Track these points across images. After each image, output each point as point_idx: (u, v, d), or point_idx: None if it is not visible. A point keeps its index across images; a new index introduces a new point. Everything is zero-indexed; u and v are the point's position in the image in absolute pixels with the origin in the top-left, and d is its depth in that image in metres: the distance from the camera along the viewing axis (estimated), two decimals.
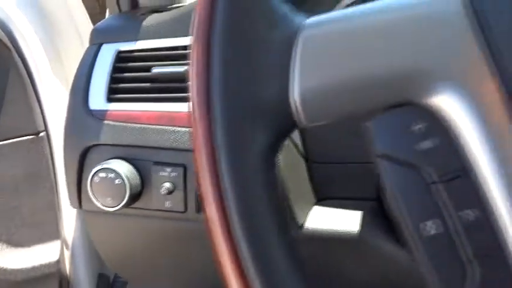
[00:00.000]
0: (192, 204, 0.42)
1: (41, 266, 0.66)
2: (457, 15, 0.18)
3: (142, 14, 0.52)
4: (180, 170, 0.41)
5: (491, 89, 0.17)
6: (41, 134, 0.65)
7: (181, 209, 0.42)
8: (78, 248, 0.70)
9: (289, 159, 0.43)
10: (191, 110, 0.18)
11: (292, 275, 0.18)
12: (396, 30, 0.18)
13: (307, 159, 0.45)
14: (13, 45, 0.61)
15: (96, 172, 0.41)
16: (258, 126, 0.18)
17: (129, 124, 0.43)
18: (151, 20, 0.49)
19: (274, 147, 0.19)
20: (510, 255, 0.16)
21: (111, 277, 0.80)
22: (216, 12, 0.18)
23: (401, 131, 0.18)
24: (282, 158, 0.40)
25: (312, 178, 0.45)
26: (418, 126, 0.18)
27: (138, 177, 0.42)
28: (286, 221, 0.19)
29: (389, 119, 0.18)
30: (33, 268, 0.65)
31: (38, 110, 0.65)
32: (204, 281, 0.47)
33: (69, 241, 0.69)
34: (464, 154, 0.17)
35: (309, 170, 0.45)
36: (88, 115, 0.43)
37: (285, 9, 0.19)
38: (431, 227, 0.17)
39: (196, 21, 0.18)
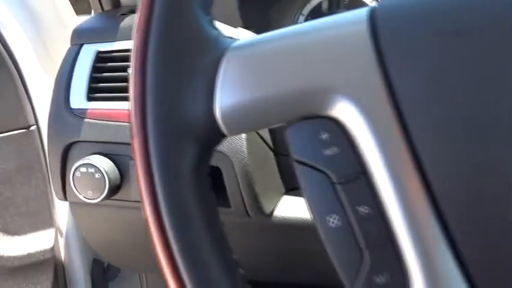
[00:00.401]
0: None
1: (36, 252, 0.70)
2: (359, 39, 0.21)
3: (123, 14, 0.55)
4: None
5: (382, 103, 0.20)
6: (32, 128, 0.68)
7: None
8: (72, 236, 0.74)
9: (259, 153, 0.46)
10: (130, 125, 0.21)
11: (218, 263, 0.21)
12: (304, 52, 0.21)
13: (275, 153, 0.48)
14: (1, 42, 0.64)
15: (77, 167, 0.45)
16: (187, 139, 0.21)
17: (108, 122, 0.46)
18: (130, 20, 0.52)
19: (204, 157, 0.22)
20: (397, 245, 0.20)
21: (105, 263, 0.84)
22: (150, 39, 0.21)
23: (311, 139, 0.21)
24: (250, 152, 0.43)
25: (280, 170, 0.49)
26: (324, 135, 0.21)
27: (116, 172, 0.46)
28: (215, 218, 0.22)
29: (302, 128, 0.21)
30: (29, 255, 0.69)
31: (29, 105, 0.68)
32: None
33: (63, 229, 0.73)
34: (361, 159, 0.20)
35: (278, 162, 0.48)
36: (69, 113, 0.46)
37: (215, 33, 0.22)
38: (333, 221, 0.20)
39: (133, 44, 0.21)
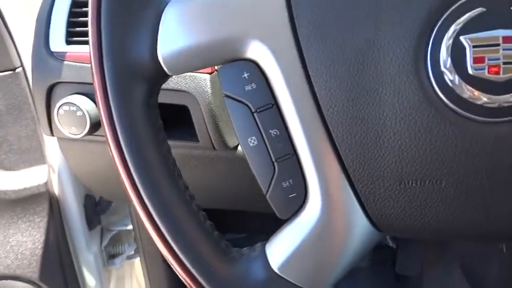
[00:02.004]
0: None
1: (32, 187, 0.77)
2: None
3: None
4: None
5: (288, 45, 0.26)
6: (18, 70, 0.73)
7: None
8: (63, 172, 0.81)
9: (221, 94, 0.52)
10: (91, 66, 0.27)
11: (168, 183, 0.27)
12: (227, 4, 0.26)
13: None
14: None
15: (60, 106, 0.50)
16: (137, 77, 0.27)
17: (86, 64, 0.51)
18: None
19: (152, 92, 0.28)
20: (299, 157, 0.26)
21: (97, 198, 0.92)
22: None
23: (236, 77, 0.27)
24: (214, 93, 0.49)
25: None
26: (245, 74, 0.27)
27: (96, 109, 0.52)
28: (164, 141, 0.28)
29: (229, 69, 0.27)
30: (25, 189, 0.77)
31: (13, 48, 0.72)
32: None
33: (55, 166, 0.80)
34: (273, 92, 0.26)
35: None
36: (50, 56, 0.51)
37: None
38: (252, 141, 0.27)
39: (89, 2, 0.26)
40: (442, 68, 0.24)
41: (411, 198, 0.26)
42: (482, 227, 0.26)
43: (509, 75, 0.24)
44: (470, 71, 0.24)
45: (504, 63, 0.24)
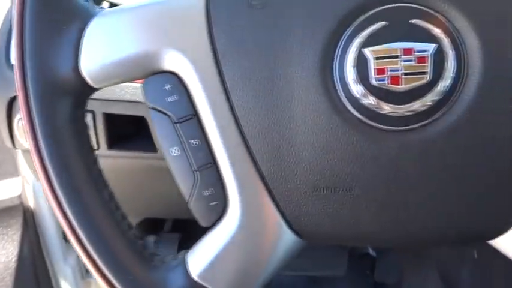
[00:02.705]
0: (103, 143, 0.53)
1: (5, 199, 0.78)
2: (195, 8, 0.27)
3: None
4: (90, 115, 0.52)
5: (208, 59, 0.27)
6: None
7: (94, 146, 0.53)
8: (38, 184, 0.81)
9: None
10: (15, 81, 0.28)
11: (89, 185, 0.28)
12: (149, 20, 0.27)
13: None
14: None
15: (19, 119, 0.51)
16: (60, 91, 0.28)
17: None
18: None
19: (78, 106, 0.29)
20: (218, 167, 0.27)
21: None
22: (26, 11, 0.27)
23: (158, 90, 0.28)
24: None
25: None
26: (167, 86, 0.28)
27: None
28: (87, 148, 0.29)
29: (152, 81, 0.28)
30: None
31: None
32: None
33: (28, 178, 0.81)
34: (193, 104, 0.28)
35: None
36: (10, 69, 0.53)
37: (84, 4, 0.28)
38: (175, 151, 0.28)
39: (14, 15, 0.27)
40: (348, 79, 0.26)
41: (326, 205, 0.27)
42: (393, 233, 0.27)
43: (409, 85, 0.25)
44: (373, 82, 0.25)
45: (404, 74, 0.25)
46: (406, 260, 0.95)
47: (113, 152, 0.54)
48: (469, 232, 0.27)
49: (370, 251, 0.96)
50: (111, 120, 0.53)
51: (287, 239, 0.29)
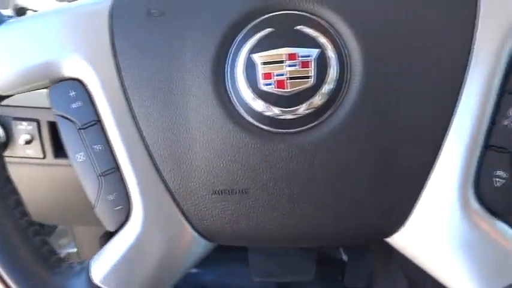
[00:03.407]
0: (49, 152, 0.54)
1: None
2: (99, 17, 0.28)
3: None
4: (35, 123, 0.52)
5: (110, 66, 0.28)
6: None
7: (41, 155, 0.53)
8: None
9: None
10: None
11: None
12: (50, 27, 0.28)
13: None
14: None
15: None
16: None
17: None
18: None
19: None
20: (121, 171, 0.28)
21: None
22: None
23: (63, 96, 0.29)
24: None
25: None
26: (72, 93, 0.29)
27: (2, 131, 0.53)
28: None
29: (57, 88, 0.29)
30: None
31: None
32: (68, 214, 0.60)
33: None
34: (97, 110, 0.28)
35: None
36: None
37: None
38: (80, 157, 0.29)
39: None
40: (238, 84, 0.27)
41: (225, 207, 0.28)
42: (291, 233, 0.28)
43: (295, 89, 0.26)
44: (261, 86, 0.26)
45: (289, 78, 0.26)
46: (377, 265, 0.96)
47: (60, 161, 0.55)
48: (362, 230, 0.28)
49: (343, 256, 0.96)
50: (56, 128, 0.54)
51: (193, 241, 0.29)
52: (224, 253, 0.74)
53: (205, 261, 0.70)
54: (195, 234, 0.29)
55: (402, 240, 0.28)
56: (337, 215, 0.27)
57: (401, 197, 0.27)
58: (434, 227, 0.27)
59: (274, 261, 0.85)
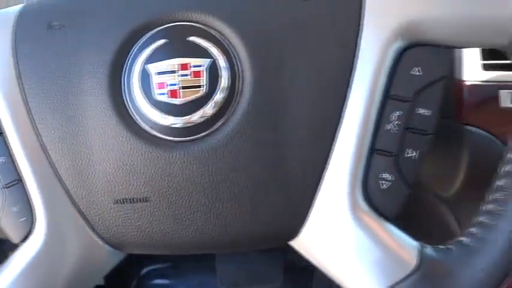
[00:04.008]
0: None
1: None
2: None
3: None
4: None
5: (10, 75, 0.28)
6: None
7: None
8: None
9: None
10: None
11: None
12: None
13: None
14: None
15: None
16: None
17: None
18: None
19: None
20: (26, 184, 0.28)
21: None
22: None
23: None
24: None
25: None
26: None
27: None
28: None
29: None
30: None
31: None
32: None
33: None
34: (0, 122, 0.29)
35: None
36: None
37: None
38: None
39: None
40: (134, 94, 0.27)
41: (128, 216, 0.28)
42: (194, 239, 0.28)
43: (187, 98, 0.27)
44: (155, 96, 0.27)
45: (181, 87, 0.27)
46: None
47: None
48: (262, 235, 0.28)
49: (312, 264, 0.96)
50: None
51: (101, 251, 0.30)
52: (194, 263, 0.74)
53: (175, 272, 0.70)
54: (103, 244, 0.29)
55: (302, 244, 0.29)
56: (236, 222, 0.28)
57: (296, 202, 0.27)
58: (329, 230, 0.27)
59: (242, 270, 0.85)
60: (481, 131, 0.46)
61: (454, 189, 0.50)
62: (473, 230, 0.27)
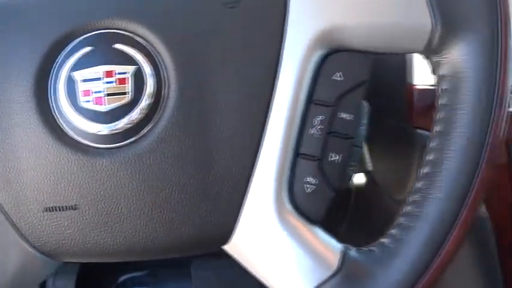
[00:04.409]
0: None
1: None
2: None
3: None
4: None
5: None
6: None
7: None
8: None
9: None
10: None
11: None
12: None
13: None
14: None
15: None
16: None
17: None
18: None
19: None
20: None
21: None
22: None
23: None
24: None
25: None
26: None
27: None
28: None
29: None
30: None
31: None
32: None
33: None
34: None
35: None
36: None
37: None
38: None
39: None
40: (60, 102, 0.27)
41: (58, 224, 0.28)
42: (126, 246, 0.28)
43: (112, 105, 0.27)
44: (80, 103, 0.27)
45: (107, 94, 0.27)
46: None
47: None
48: (192, 240, 0.28)
49: None
50: None
51: (34, 260, 0.29)
52: (171, 270, 0.73)
53: (153, 280, 0.69)
54: (35, 252, 0.29)
55: (235, 248, 0.29)
56: (165, 228, 0.28)
57: (225, 207, 0.28)
58: (257, 234, 0.28)
59: (217, 276, 0.85)
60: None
61: (407, 191, 0.51)
62: (393, 231, 0.27)
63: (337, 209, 0.73)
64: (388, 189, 0.55)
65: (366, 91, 0.28)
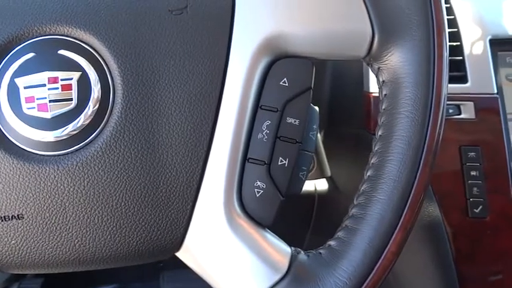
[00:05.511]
0: None
1: None
2: None
3: None
4: None
5: None
6: None
7: None
8: None
9: None
10: None
11: None
12: None
13: None
14: None
15: None
16: None
17: None
18: None
19: None
20: None
21: None
22: None
23: None
24: None
25: None
26: None
27: None
28: None
29: None
30: None
31: None
32: None
33: None
34: None
35: None
36: None
37: None
38: None
39: None
40: (2, 109, 0.27)
41: (4, 233, 0.27)
42: (76, 255, 0.28)
43: (57, 111, 0.26)
44: (24, 110, 0.26)
45: (51, 101, 0.26)
46: None
47: None
48: (143, 248, 0.28)
49: None
50: None
51: None
52: (141, 284, 0.72)
53: None
54: None
55: (187, 255, 0.29)
56: (114, 236, 0.27)
57: (176, 214, 0.27)
58: (208, 240, 0.28)
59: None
60: None
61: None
62: (339, 233, 0.27)
63: (302, 215, 0.74)
64: (350, 195, 0.56)
65: (312, 96, 0.28)
